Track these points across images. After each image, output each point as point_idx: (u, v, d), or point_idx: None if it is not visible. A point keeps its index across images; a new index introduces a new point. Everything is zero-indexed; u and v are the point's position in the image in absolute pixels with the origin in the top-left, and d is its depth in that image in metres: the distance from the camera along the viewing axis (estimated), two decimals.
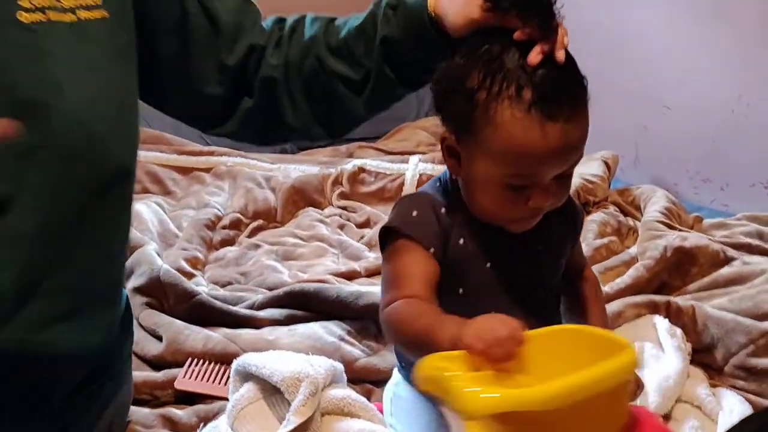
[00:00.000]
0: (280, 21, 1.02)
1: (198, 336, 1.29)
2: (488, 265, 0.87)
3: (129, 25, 0.89)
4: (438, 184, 0.91)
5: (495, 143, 0.79)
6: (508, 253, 0.87)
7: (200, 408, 1.18)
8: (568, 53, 0.82)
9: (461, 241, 0.86)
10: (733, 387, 1.25)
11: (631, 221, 1.83)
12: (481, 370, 0.69)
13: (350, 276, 1.59)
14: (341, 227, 1.89)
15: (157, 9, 0.94)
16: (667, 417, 1.17)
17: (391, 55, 0.93)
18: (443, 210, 0.87)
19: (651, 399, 1.16)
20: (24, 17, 0.77)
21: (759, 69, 1.91)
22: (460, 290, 0.87)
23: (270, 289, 1.52)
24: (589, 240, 1.69)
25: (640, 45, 2.21)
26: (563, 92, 0.79)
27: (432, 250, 0.84)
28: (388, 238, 0.87)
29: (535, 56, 0.78)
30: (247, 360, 0.98)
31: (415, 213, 0.86)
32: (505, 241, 0.87)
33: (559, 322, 0.90)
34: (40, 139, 0.77)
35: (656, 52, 2.16)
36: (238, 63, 0.98)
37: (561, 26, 0.82)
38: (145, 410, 1.16)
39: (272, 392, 0.97)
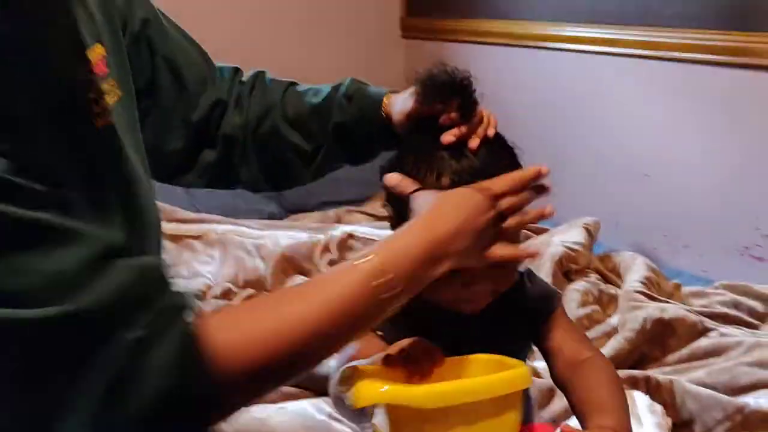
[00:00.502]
0: (237, 72, 1.06)
1: None
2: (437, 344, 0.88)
3: (132, 95, 0.89)
4: None
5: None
6: (455, 337, 0.87)
7: None
8: (503, 142, 0.87)
9: (404, 324, 0.86)
10: None
11: (612, 289, 1.88)
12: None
13: None
14: None
15: (133, 70, 0.91)
16: None
17: (343, 138, 1.00)
18: None
19: None
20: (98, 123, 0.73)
21: (729, 142, 1.98)
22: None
23: None
24: (572, 309, 1.74)
25: (620, 115, 2.29)
26: (481, 180, 0.80)
27: (380, 333, 0.87)
28: None
29: (447, 137, 0.84)
30: None
31: None
32: (456, 324, 0.88)
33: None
34: None
35: (635, 122, 2.24)
36: (202, 117, 1.02)
37: (487, 114, 0.87)
38: None
39: None
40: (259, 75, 1.07)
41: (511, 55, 2.60)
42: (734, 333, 1.59)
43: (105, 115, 0.71)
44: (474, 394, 0.73)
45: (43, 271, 0.56)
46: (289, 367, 0.68)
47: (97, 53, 0.75)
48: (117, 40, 0.86)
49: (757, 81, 1.87)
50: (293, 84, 1.06)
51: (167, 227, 2.16)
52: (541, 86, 2.48)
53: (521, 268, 0.97)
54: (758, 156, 1.91)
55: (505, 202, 0.79)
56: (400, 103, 0.94)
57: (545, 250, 1.99)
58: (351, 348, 0.79)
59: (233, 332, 0.65)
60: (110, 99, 0.76)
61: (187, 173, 1.05)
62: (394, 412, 0.73)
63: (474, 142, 0.84)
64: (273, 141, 1.02)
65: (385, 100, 0.98)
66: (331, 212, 2.52)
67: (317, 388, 1.41)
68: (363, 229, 2.21)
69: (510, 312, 0.92)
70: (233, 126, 1.02)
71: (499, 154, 0.87)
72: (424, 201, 0.80)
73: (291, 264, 2.03)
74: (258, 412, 1.33)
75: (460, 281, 0.82)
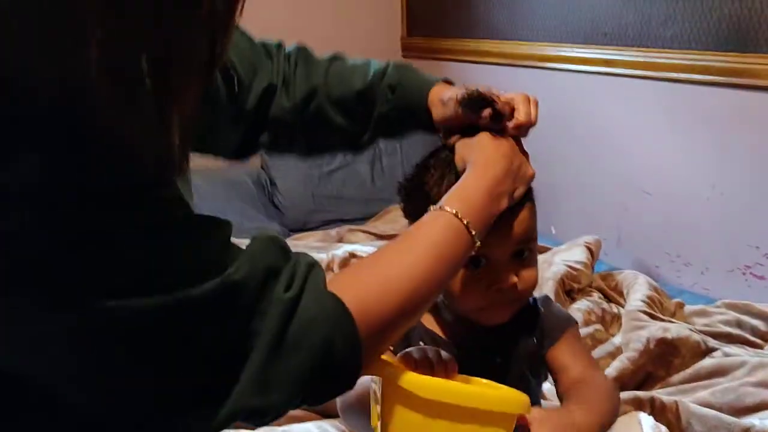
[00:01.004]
0: (280, 48, 1.05)
1: None
2: None
3: None
4: None
5: None
6: (464, 364, 0.89)
7: None
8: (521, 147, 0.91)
9: (420, 344, 0.92)
10: None
11: (615, 308, 1.88)
12: None
13: None
14: None
15: None
16: None
17: (385, 126, 1.01)
18: None
19: None
20: None
21: (727, 161, 1.99)
22: None
23: None
24: None
25: (620, 134, 2.30)
26: None
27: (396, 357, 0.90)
28: None
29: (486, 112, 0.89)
30: None
31: None
32: (462, 353, 0.90)
33: None
34: None
35: (635, 142, 2.26)
36: (254, 106, 1.01)
37: (519, 123, 0.90)
38: None
39: None
40: (302, 51, 1.06)
41: (510, 75, 2.62)
42: (738, 353, 1.60)
43: None
44: (465, 399, 0.75)
45: (198, 251, 0.60)
46: (411, 314, 0.73)
47: None
48: None
49: (756, 101, 1.89)
50: (335, 59, 1.05)
51: None
52: (540, 106, 2.49)
53: (538, 294, 1.00)
54: (759, 175, 1.92)
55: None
56: (443, 104, 0.95)
57: (547, 269, 2.00)
58: None
59: (360, 289, 0.69)
60: None
61: (244, 156, 1.07)
62: (388, 388, 0.76)
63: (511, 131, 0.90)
64: (320, 123, 1.02)
65: (430, 95, 0.98)
66: (333, 231, 2.52)
67: (322, 409, 1.41)
68: (365, 248, 2.21)
69: (526, 332, 0.96)
70: (282, 109, 1.02)
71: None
72: (468, 150, 0.89)
73: None
74: None
75: (485, 282, 0.89)
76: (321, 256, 2.14)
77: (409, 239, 0.77)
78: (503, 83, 2.67)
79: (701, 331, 1.69)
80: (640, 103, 2.21)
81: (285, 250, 0.68)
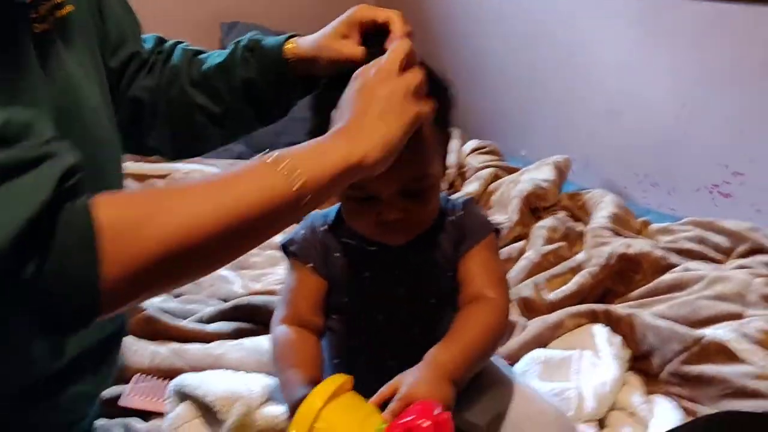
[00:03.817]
0: (160, 43, 1.06)
1: (145, 352, 1.30)
2: (366, 274, 0.92)
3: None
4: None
5: None
6: (385, 266, 0.92)
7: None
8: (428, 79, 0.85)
9: (337, 255, 0.93)
10: (669, 393, 1.28)
11: (580, 226, 1.87)
12: None
13: None
14: None
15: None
16: (602, 424, 1.21)
17: (250, 94, 0.99)
18: (323, 228, 0.94)
19: (587, 405, 1.20)
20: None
21: (698, 79, 1.95)
22: (346, 299, 0.93)
23: (222, 300, 1.53)
24: (537, 246, 1.73)
25: (590, 53, 2.25)
26: None
27: (311, 265, 0.92)
28: (286, 255, 0.96)
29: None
30: (184, 380, 1.00)
31: (302, 232, 0.95)
32: (383, 255, 0.91)
33: (445, 331, 0.88)
34: None
35: (605, 60, 2.20)
36: (118, 67, 0.99)
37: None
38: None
39: (209, 412, 0.98)
40: (174, 46, 1.05)
41: None
42: (699, 268, 1.59)
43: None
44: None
45: None
46: (188, 262, 0.66)
47: None
48: None
49: (728, 14, 1.83)
50: (202, 51, 1.05)
51: (132, 166, 2.13)
52: (512, 23, 2.43)
53: (461, 199, 0.97)
54: (728, 94, 1.88)
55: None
56: (318, 42, 0.93)
57: (513, 187, 1.97)
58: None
59: (126, 211, 0.63)
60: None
61: None
62: None
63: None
64: (181, 104, 1.01)
65: (288, 45, 0.96)
66: None
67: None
68: None
69: (440, 244, 0.93)
70: (143, 88, 1.01)
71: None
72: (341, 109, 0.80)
73: None
74: (214, 348, 1.32)
75: (374, 212, 0.86)
76: None
77: (223, 182, 0.70)
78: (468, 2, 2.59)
79: (664, 248, 1.67)
80: (611, 18, 2.15)
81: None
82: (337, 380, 0.78)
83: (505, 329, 0.93)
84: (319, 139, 0.75)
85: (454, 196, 1.05)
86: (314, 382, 0.80)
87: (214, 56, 1.02)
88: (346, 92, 0.80)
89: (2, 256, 0.57)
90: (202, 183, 0.71)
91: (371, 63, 0.81)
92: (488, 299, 0.90)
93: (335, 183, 0.72)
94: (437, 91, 0.87)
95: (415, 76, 0.79)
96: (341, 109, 0.79)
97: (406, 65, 0.80)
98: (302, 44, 0.96)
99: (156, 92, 1.01)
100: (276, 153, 0.71)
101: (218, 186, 0.69)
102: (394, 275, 0.92)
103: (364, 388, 0.82)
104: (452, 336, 0.85)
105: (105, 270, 0.60)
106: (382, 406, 0.78)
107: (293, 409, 0.79)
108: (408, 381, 0.78)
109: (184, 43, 1.07)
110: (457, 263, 0.93)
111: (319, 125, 0.83)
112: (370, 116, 0.75)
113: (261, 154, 0.72)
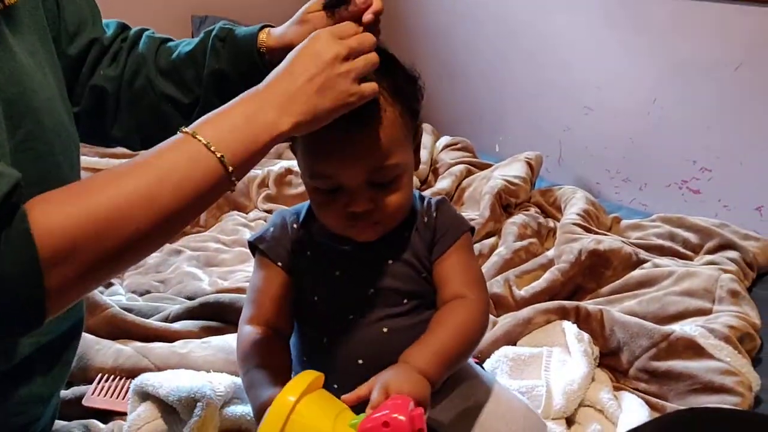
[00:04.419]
0: (123, 30, 1.02)
1: (108, 351, 1.27)
2: (337, 273, 0.90)
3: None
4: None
5: (300, 147, 0.85)
6: (357, 265, 0.90)
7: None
8: (394, 69, 0.85)
9: (308, 253, 0.91)
10: (637, 389, 1.28)
11: (551, 222, 1.87)
12: None
13: None
14: None
15: None
16: (570, 421, 1.21)
17: (220, 85, 0.96)
18: (295, 225, 0.93)
19: (555, 402, 1.19)
20: None
21: (669, 75, 1.96)
22: (315, 297, 0.91)
23: (189, 298, 1.51)
24: (509, 242, 1.72)
25: (563, 49, 2.25)
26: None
27: (280, 264, 0.91)
28: (254, 253, 0.94)
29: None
30: (145, 379, 0.98)
31: (271, 230, 0.93)
32: (355, 253, 0.90)
33: (420, 331, 0.87)
34: None
35: (577, 56, 2.21)
36: (78, 54, 0.96)
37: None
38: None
39: (171, 411, 0.97)
40: (140, 33, 1.02)
41: None
42: (668, 264, 1.59)
43: None
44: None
45: None
46: (120, 247, 0.66)
47: None
48: None
49: (698, 11, 1.84)
50: (170, 39, 1.02)
51: (99, 162, 2.09)
52: (484, 19, 2.42)
53: (435, 199, 0.95)
54: (697, 90, 1.89)
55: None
56: (290, 30, 0.92)
57: (485, 184, 1.97)
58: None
59: (55, 194, 0.65)
60: None
61: None
62: None
63: (367, 17, 0.84)
64: (147, 94, 0.98)
65: (261, 35, 0.94)
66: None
67: None
68: None
69: (413, 244, 0.92)
70: (105, 78, 0.97)
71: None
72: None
73: (226, 199, 1.98)
74: (180, 347, 1.30)
75: (342, 203, 0.84)
76: (257, 172, 2.09)
77: (149, 158, 0.70)
78: None
79: (634, 244, 1.68)
80: (581, 16, 2.15)
81: None
82: (309, 376, 0.77)
83: (484, 328, 0.91)
84: (246, 99, 0.75)
85: (426, 192, 1.04)
86: (280, 384, 0.78)
87: (184, 45, 0.99)
88: (297, 47, 0.79)
89: None
90: (129, 161, 0.71)
91: (331, 27, 0.81)
92: (466, 299, 0.89)
93: (260, 152, 0.73)
94: (406, 81, 0.87)
95: (366, 59, 0.79)
96: (286, 60, 0.78)
97: (367, 41, 0.80)
98: (275, 34, 0.94)
99: (120, 81, 0.98)
100: (200, 123, 0.72)
101: (144, 162, 0.69)
102: (365, 275, 0.90)
103: (334, 387, 0.82)
104: (429, 335, 0.85)
105: (38, 240, 0.60)
106: (357, 407, 0.77)
107: (260, 410, 0.78)
108: (384, 377, 0.78)
109: (150, 30, 1.03)
110: (432, 264, 0.92)
111: None
112: (308, 86, 0.74)
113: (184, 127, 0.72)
